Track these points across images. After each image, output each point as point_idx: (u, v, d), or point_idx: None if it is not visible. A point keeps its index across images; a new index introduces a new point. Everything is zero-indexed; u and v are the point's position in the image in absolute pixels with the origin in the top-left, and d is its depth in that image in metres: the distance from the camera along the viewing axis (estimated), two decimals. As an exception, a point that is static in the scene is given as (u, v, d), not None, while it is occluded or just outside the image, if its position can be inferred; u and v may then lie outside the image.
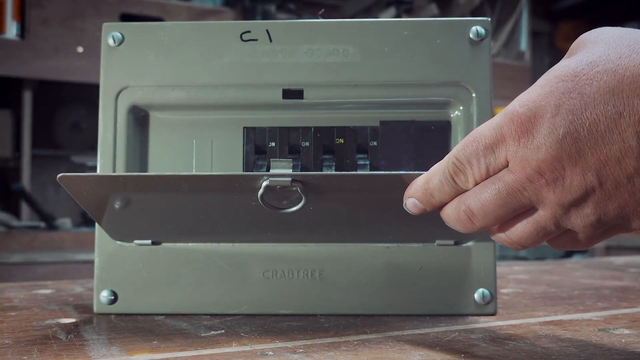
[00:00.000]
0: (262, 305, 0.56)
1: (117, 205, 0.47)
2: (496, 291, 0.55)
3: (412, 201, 0.42)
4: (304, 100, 0.56)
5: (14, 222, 2.21)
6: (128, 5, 2.32)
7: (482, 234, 0.54)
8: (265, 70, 0.56)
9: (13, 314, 0.56)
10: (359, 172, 0.43)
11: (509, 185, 0.38)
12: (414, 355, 0.41)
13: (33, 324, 0.51)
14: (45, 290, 0.70)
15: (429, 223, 0.49)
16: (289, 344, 0.45)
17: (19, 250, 1.94)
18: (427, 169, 0.42)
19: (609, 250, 2.56)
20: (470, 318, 0.54)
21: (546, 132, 0.36)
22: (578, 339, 0.46)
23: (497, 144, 0.38)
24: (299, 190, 0.43)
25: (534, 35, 3.25)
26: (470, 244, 0.55)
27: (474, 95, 0.55)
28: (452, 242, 0.55)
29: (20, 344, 0.44)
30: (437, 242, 0.55)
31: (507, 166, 0.38)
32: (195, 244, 0.56)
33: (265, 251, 0.56)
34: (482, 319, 0.54)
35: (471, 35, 0.55)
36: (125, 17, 2.30)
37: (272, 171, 0.43)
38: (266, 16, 2.52)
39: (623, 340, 0.45)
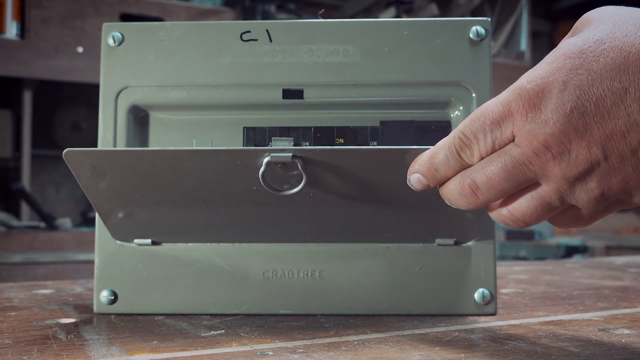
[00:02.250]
0: (262, 305, 0.56)
1: (119, 187, 0.47)
2: (496, 291, 0.55)
3: (416, 177, 0.42)
4: (304, 100, 0.56)
5: (14, 222, 2.21)
6: (128, 5, 2.32)
7: (483, 233, 0.55)
8: (265, 70, 0.56)
9: (13, 314, 0.56)
10: (361, 146, 0.43)
11: (515, 159, 0.38)
12: (414, 355, 0.41)
13: (33, 324, 0.51)
14: (45, 290, 0.70)
15: (429, 216, 0.50)
16: (289, 344, 0.45)
17: (19, 250, 1.94)
18: None
19: (609, 250, 2.56)
20: (470, 318, 0.54)
21: (554, 107, 0.36)
22: (578, 339, 0.46)
23: (504, 119, 0.38)
24: (299, 167, 0.43)
25: (534, 35, 3.25)
26: (470, 243, 0.55)
27: (474, 95, 0.55)
28: (452, 242, 0.55)
29: (20, 344, 0.44)
30: (437, 241, 0.55)
31: (513, 141, 0.38)
32: (195, 244, 0.56)
33: (265, 251, 0.56)
34: (482, 319, 0.54)
35: (471, 35, 0.55)
36: (125, 17, 2.30)
37: (273, 147, 0.43)
38: (266, 16, 2.52)
39: (623, 340, 0.45)
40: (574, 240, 2.72)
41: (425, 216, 0.51)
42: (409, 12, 2.75)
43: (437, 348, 0.43)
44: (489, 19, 0.56)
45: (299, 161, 0.43)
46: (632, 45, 0.35)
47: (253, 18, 2.48)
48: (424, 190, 0.43)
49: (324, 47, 0.55)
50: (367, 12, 2.86)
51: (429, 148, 0.42)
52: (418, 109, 0.56)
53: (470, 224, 0.52)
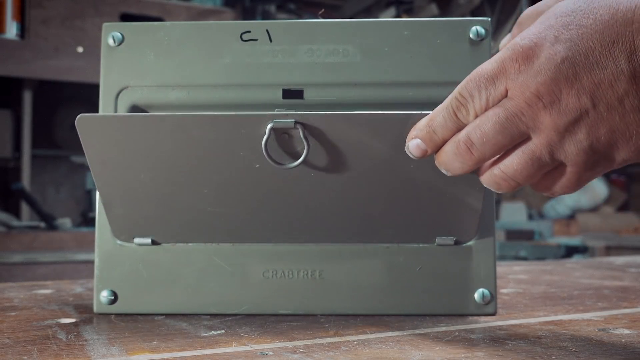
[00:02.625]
0: (262, 305, 0.56)
1: (125, 161, 0.48)
2: (496, 291, 0.55)
3: (414, 142, 0.44)
4: (304, 100, 0.56)
5: (14, 222, 2.21)
6: (128, 5, 2.32)
7: (483, 233, 0.55)
8: (265, 70, 0.56)
9: (13, 314, 0.56)
10: (362, 112, 0.45)
11: (508, 111, 0.40)
12: (414, 355, 0.41)
13: (33, 324, 0.51)
14: (45, 290, 0.70)
15: (428, 208, 0.50)
16: (289, 344, 0.45)
17: (19, 250, 1.94)
18: None
19: (609, 250, 2.56)
20: (470, 318, 0.54)
21: (545, 58, 0.38)
22: (578, 339, 0.46)
23: (498, 75, 0.40)
24: (301, 135, 0.45)
25: (534, 35, 3.25)
26: (470, 243, 0.55)
27: (474, 95, 0.55)
28: (452, 241, 0.55)
29: (20, 344, 0.44)
30: (437, 241, 0.55)
31: (507, 96, 0.40)
32: (195, 244, 0.56)
33: (265, 251, 0.56)
34: (482, 319, 0.54)
35: (471, 35, 0.55)
36: (125, 17, 2.30)
37: (275, 113, 0.45)
38: (266, 16, 2.52)
39: (623, 340, 0.45)
40: (574, 240, 2.72)
41: (425, 208, 0.51)
42: (409, 12, 2.75)
43: (437, 348, 0.43)
44: (489, 19, 0.56)
45: (300, 127, 0.44)
46: (620, 2, 0.38)
47: (253, 18, 2.48)
48: (422, 157, 0.44)
49: (324, 47, 0.55)
50: (367, 12, 2.86)
51: (429, 114, 0.43)
52: (418, 109, 0.56)
53: (469, 220, 0.52)
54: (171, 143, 0.47)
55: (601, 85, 0.38)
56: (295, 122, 0.44)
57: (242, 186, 0.49)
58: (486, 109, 0.41)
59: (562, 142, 0.39)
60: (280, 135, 0.45)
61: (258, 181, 0.48)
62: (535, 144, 0.40)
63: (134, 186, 0.50)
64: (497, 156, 0.42)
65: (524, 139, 0.40)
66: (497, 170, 0.42)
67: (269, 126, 0.45)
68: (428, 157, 0.44)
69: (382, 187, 0.49)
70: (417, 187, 0.48)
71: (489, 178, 0.43)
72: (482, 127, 0.40)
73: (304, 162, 0.46)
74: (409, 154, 0.44)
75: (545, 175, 0.42)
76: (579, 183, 0.41)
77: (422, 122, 0.44)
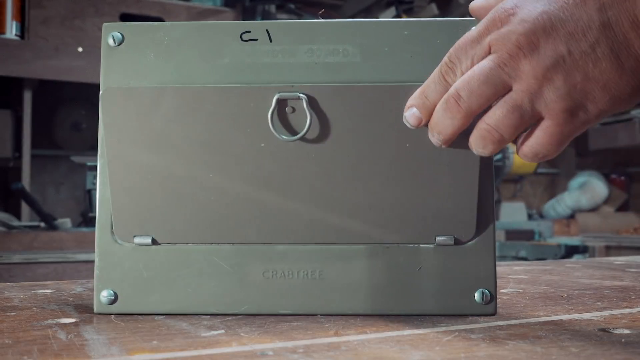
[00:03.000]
0: (262, 305, 0.56)
1: (142, 135, 0.51)
2: (496, 291, 0.55)
3: (411, 111, 0.48)
4: (304, 100, 0.56)
5: (14, 222, 2.21)
6: (128, 5, 2.32)
7: (482, 232, 0.55)
8: (265, 71, 0.55)
9: (13, 314, 0.56)
10: (364, 84, 0.49)
11: (492, 62, 0.43)
12: (414, 355, 0.41)
13: (33, 324, 0.51)
14: (45, 290, 0.70)
15: (426, 200, 0.52)
16: (289, 344, 0.45)
17: (19, 250, 1.94)
18: None
19: (609, 250, 2.56)
20: (470, 318, 0.54)
21: (525, 13, 0.43)
22: (578, 339, 0.46)
23: (482, 35, 0.44)
24: (305, 105, 0.48)
25: (534, 35, 3.24)
26: (470, 243, 0.55)
27: (474, 95, 0.55)
28: (451, 241, 0.55)
29: (20, 344, 0.44)
30: (437, 241, 0.55)
31: (490, 51, 0.44)
32: (195, 244, 0.56)
33: (265, 251, 0.56)
34: (482, 319, 0.54)
35: (471, 35, 0.55)
36: (125, 17, 2.30)
37: (282, 85, 0.50)
38: (266, 16, 2.52)
39: (623, 340, 0.45)
40: (574, 240, 2.72)
41: (421, 193, 0.52)
42: (409, 12, 2.75)
43: (437, 348, 0.43)
44: (489, 19, 0.56)
45: (305, 98, 0.48)
46: None
47: (253, 18, 2.48)
48: (418, 125, 0.47)
49: (324, 47, 0.55)
50: (367, 12, 2.86)
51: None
52: (418, 109, 0.56)
53: (467, 213, 0.52)
54: (185, 117, 0.50)
55: (575, 34, 0.42)
56: (300, 93, 0.48)
57: (246, 170, 0.51)
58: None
59: (541, 89, 0.42)
60: (285, 109, 0.49)
61: (262, 164, 0.50)
62: (517, 92, 0.43)
63: (144, 168, 0.52)
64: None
65: (507, 91, 0.44)
66: (482, 124, 0.45)
67: (275, 97, 0.48)
68: (424, 129, 0.48)
69: (381, 168, 0.51)
70: (413, 170, 0.50)
71: (476, 134, 0.45)
72: (468, 81, 0.44)
73: (307, 133, 0.49)
74: (406, 124, 0.48)
75: (528, 134, 0.45)
76: (561, 138, 0.44)
77: (417, 91, 0.48)
